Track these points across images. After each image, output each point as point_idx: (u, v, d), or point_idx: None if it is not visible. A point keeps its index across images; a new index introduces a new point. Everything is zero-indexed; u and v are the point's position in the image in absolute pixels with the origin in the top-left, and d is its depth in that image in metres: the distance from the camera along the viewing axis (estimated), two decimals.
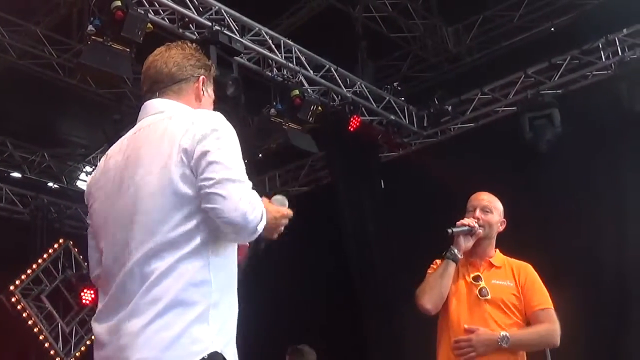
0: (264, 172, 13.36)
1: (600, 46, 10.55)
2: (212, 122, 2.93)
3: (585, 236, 9.79)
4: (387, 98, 11.49)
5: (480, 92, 11.61)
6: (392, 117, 11.47)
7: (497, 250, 5.11)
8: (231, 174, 2.83)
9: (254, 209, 2.79)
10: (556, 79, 10.91)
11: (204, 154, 2.81)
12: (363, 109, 11.18)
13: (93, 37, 7.91)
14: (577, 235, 9.78)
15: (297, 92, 9.83)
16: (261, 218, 2.83)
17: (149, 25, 8.04)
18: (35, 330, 12.54)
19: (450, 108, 11.61)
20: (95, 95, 11.86)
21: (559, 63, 10.86)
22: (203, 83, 3.11)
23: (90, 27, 7.84)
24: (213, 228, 2.79)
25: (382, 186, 11.86)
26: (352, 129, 10.86)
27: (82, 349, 12.99)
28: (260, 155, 13.16)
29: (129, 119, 13.02)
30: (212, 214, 2.75)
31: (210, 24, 8.89)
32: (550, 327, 4.79)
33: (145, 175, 2.86)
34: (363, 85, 11.10)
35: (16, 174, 13.61)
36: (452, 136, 11.98)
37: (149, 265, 2.72)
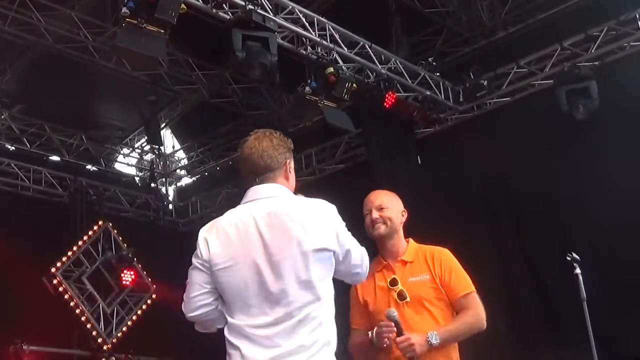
0: (300, 150, 13.39)
1: (638, 17, 10.42)
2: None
3: (626, 208, 9.69)
4: (422, 74, 11.45)
5: (515, 65, 11.53)
6: (428, 92, 11.43)
7: (410, 240, 5.04)
8: None
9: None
10: (593, 51, 10.80)
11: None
12: (398, 85, 11.16)
13: (127, 20, 7.94)
14: (618, 210, 9.68)
15: (331, 69, 9.82)
16: None
17: (183, 5, 8.05)
18: (77, 311, 12.68)
19: (485, 82, 11.56)
20: (131, 78, 11.95)
21: (595, 35, 10.75)
22: (290, 165, 3.81)
23: (124, 10, 7.87)
24: None
25: (419, 162, 11.84)
26: (387, 106, 10.84)
27: (124, 329, 13.15)
28: (295, 133, 13.23)
29: (164, 100, 13.22)
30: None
31: (243, 3, 8.88)
32: (476, 313, 4.76)
33: None
34: (398, 62, 11.07)
35: (55, 157, 13.79)
36: (488, 111, 11.91)
37: None
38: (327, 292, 3.55)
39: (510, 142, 10.83)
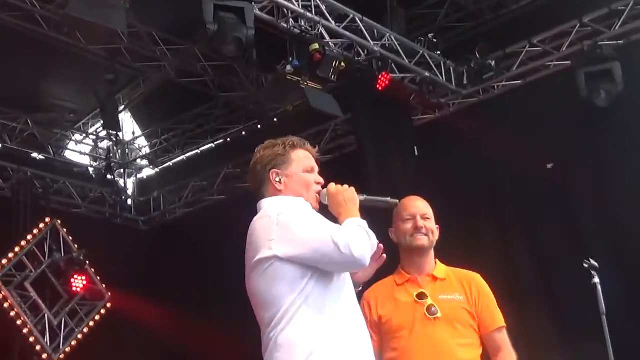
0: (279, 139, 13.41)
1: None
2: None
3: None
4: (421, 52, 11.49)
5: (528, 44, 11.59)
6: (427, 73, 11.47)
7: (438, 261, 5.10)
8: None
9: None
10: (617, 28, 10.86)
11: None
12: (393, 65, 11.19)
13: None
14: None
15: (316, 46, 9.84)
16: None
17: None
18: (19, 322, 12.58)
19: (493, 63, 11.58)
20: (85, 53, 11.91)
21: (620, 9, 10.81)
22: (274, 176, 4.17)
23: None
24: None
25: (416, 153, 11.87)
26: (380, 88, 10.87)
27: (73, 343, 13.08)
28: (275, 119, 13.23)
29: (123, 79, 13.19)
30: None
31: None
32: (510, 355, 4.89)
33: None
34: (393, 38, 11.10)
35: None
36: (496, 95, 11.98)
37: None
38: (295, 308, 3.79)
39: (520, 132, 10.87)
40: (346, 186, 4.18)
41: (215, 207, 14.45)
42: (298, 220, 3.89)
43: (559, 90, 10.88)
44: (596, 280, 6.30)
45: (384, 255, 4.30)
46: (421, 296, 4.85)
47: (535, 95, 11.29)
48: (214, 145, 14.78)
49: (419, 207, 5.06)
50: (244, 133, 14.24)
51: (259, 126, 13.78)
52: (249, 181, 4.39)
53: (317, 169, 4.26)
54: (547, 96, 11.05)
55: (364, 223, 3.92)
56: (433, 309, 4.78)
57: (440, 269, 5.02)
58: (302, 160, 4.24)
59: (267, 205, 4.13)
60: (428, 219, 5.01)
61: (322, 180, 4.22)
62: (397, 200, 4.57)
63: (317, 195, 4.15)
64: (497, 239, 11.05)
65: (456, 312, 4.82)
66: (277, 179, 4.18)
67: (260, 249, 3.87)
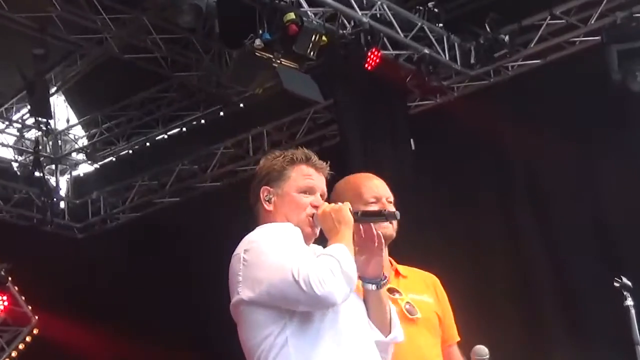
0: (246, 129, 13.40)
1: None
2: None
3: None
4: (419, 24, 11.49)
5: (549, 15, 11.59)
6: (426, 50, 11.47)
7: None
8: None
9: None
10: None
11: None
12: (385, 39, 11.20)
13: None
14: None
15: (292, 16, 9.83)
16: None
17: None
18: None
19: (507, 38, 11.59)
20: (9, 22, 11.86)
21: None
22: (265, 194, 4.23)
23: None
24: None
25: (413, 147, 11.88)
26: (369, 68, 10.87)
27: None
28: (241, 105, 13.23)
29: (56, 55, 13.14)
30: None
31: None
32: None
33: None
34: (385, 7, 11.10)
35: None
36: (510, 78, 12.01)
37: None
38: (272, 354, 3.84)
39: (538, 121, 10.92)
40: (340, 204, 4.11)
41: (166, 211, 14.43)
42: (263, 256, 3.91)
43: (585, 72, 10.90)
44: (629, 302, 6.28)
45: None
46: (392, 291, 4.75)
47: (557, 78, 11.31)
48: (166, 136, 14.78)
49: (383, 188, 4.93)
50: (203, 121, 14.23)
51: (221, 113, 13.82)
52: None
53: (319, 190, 4.24)
54: (572, 79, 11.07)
55: (343, 252, 3.85)
56: (411, 307, 4.76)
57: (399, 266, 4.99)
58: (299, 179, 4.25)
59: (245, 239, 4.12)
60: (391, 202, 4.92)
61: (321, 204, 4.16)
62: (396, 212, 4.43)
63: (311, 219, 4.12)
64: (509, 246, 11.12)
65: (431, 315, 4.82)
66: (267, 198, 4.25)
67: (232, 294, 3.93)
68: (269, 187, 4.23)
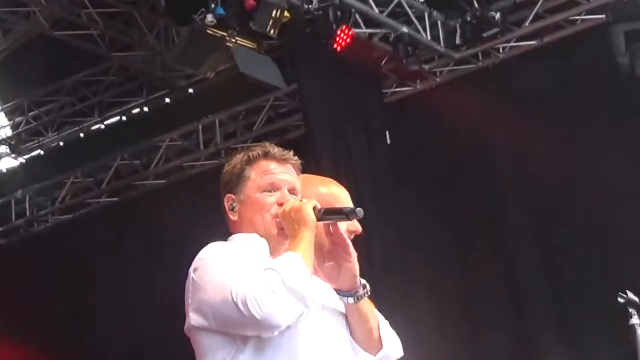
0: (195, 118, 13.43)
1: None
2: None
3: None
4: None
5: None
6: (405, 29, 11.56)
7: None
8: None
9: None
10: None
11: None
12: (357, 16, 11.28)
13: None
14: None
15: None
16: None
17: None
18: None
19: (497, 16, 11.68)
20: None
21: None
22: (229, 203, 4.24)
23: None
24: None
25: (388, 141, 11.94)
26: (339, 49, 10.94)
27: None
28: (190, 90, 13.28)
29: None
30: None
31: None
32: None
33: None
34: None
35: None
36: (501, 61, 12.13)
37: None
38: None
39: (533, 110, 11.02)
40: (302, 201, 4.07)
41: (103, 213, 14.50)
42: (207, 275, 3.93)
43: (587, 55, 11.03)
44: (635, 320, 6.34)
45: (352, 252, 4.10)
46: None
47: (555, 61, 11.44)
48: (103, 126, 14.77)
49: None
50: (145, 109, 14.23)
51: (166, 100, 13.81)
52: None
53: (286, 184, 4.17)
54: (572, 62, 11.20)
55: (291, 263, 3.79)
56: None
57: None
58: (258, 177, 4.20)
59: (198, 254, 4.16)
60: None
61: (288, 199, 4.09)
62: (359, 208, 4.24)
63: (277, 220, 4.06)
64: (498, 256, 11.23)
65: None
66: (231, 207, 4.25)
67: (186, 319, 3.98)
68: (232, 195, 4.22)
